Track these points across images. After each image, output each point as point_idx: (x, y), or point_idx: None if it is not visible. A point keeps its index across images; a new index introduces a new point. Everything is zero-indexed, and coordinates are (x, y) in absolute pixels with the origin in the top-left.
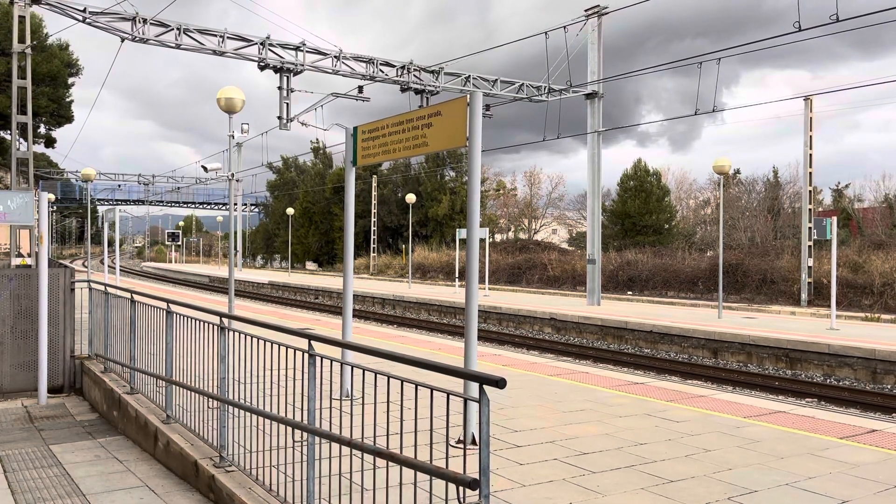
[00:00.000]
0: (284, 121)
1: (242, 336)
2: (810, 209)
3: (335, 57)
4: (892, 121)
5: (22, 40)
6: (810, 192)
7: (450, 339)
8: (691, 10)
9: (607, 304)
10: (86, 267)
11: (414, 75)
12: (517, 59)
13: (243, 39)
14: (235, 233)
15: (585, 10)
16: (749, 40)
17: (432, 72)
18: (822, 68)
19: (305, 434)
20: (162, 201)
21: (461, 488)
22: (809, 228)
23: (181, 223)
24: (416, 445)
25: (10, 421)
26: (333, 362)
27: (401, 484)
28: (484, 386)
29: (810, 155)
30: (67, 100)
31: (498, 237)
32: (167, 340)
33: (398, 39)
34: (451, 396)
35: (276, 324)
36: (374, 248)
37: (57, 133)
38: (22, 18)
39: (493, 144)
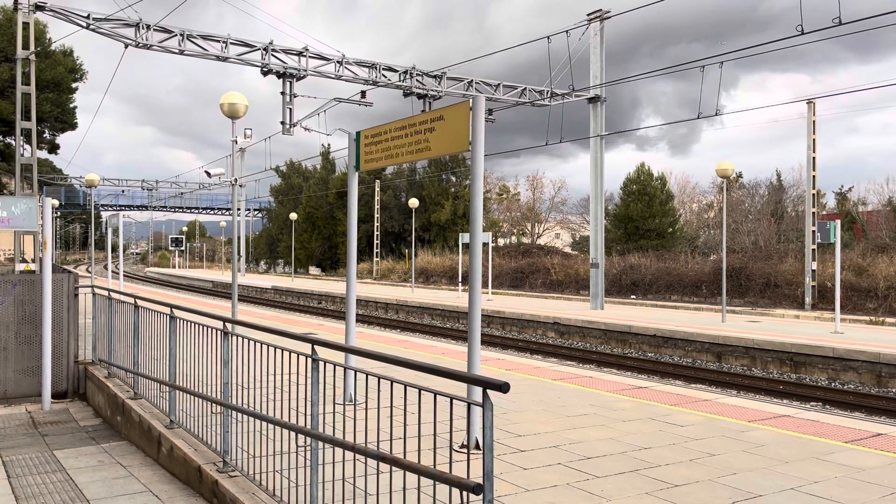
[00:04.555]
0: (287, 126)
1: (246, 341)
2: (814, 212)
3: (338, 62)
4: (892, 124)
5: (26, 47)
6: (814, 195)
7: (453, 343)
8: (686, 15)
9: (611, 308)
10: (89, 272)
11: (416, 80)
12: (514, 64)
13: (246, 45)
14: (238, 238)
15: (588, 15)
16: (745, 44)
17: (434, 76)
18: (822, 72)
19: (309, 439)
20: (165, 207)
21: (465, 493)
22: (813, 232)
23: (184, 228)
24: (419, 450)
25: (13, 426)
26: (336, 367)
27: (404, 489)
28: (487, 390)
29: (813, 158)
30: (71, 105)
31: (501, 241)
32: (170, 345)
33: (395, 45)
34: (454, 401)
35: (280, 329)
36: (377, 252)
37: (61, 139)
38: (26, 25)
39: (492, 149)
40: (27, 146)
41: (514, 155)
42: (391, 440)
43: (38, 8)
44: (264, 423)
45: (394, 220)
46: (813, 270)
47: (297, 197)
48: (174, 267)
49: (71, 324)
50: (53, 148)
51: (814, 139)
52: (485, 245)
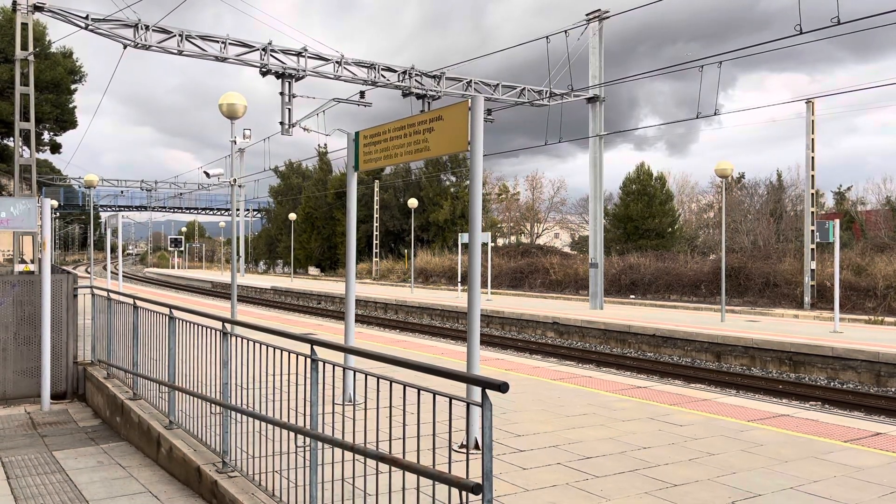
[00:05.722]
0: (286, 126)
1: (245, 341)
2: (813, 212)
3: (337, 62)
4: (891, 124)
5: (25, 47)
6: (812, 194)
7: (452, 343)
8: (684, 14)
9: (610, 308)
10: (89, 273)
11: (415, 80)
12: (512, 64)
13: (245, 45)
14: (238, 238)
15: (587, 15)
16: (742, 44)
17: (433, 77)
18: (820, 71)
19: (308, 439)
20: (164, 207)
21: (464, 493)
22: (812, 231)
23: (184, 229)
24: (418, 450)
25: (13, 427)
26: (336, 367)
27: (403, 489)
28: (486, 390)
29: (812, 158)
30: (70, 106)
31: (500, 241)
32: (170, 346)
33: (393, 45)
34: (453, 401)
35: (279, 329)
36: (376, 252)
37: (60, 140)
38: (25, 26)
39: (491, 149)
40: (26, 147)
41: (513, 155)
42: (390, 440)
43: (37, 9)
44: (264, 424)
45: (393, 220)
46: (812, 270)
47: (296, 197)
48: (173, 267)
49: (70, 324)
50: (55, 148)
51: (812, 139)
52: (484, 245)
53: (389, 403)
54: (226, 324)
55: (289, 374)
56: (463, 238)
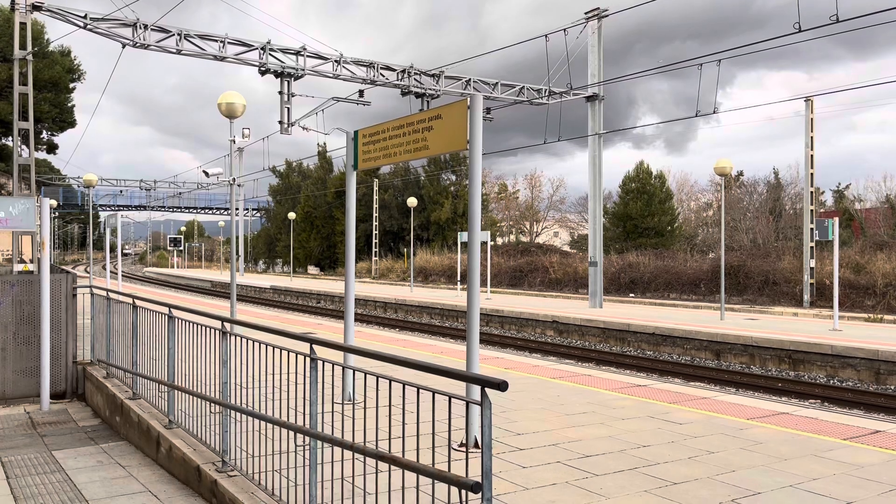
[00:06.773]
0: (285, 125)
1: (244, 340)
2: (812, 210)
3: (336, 61)
4: (889, 121)
5: (23, 47)
6: (812, 193)
7: (452, 342)
8: (680, 13)
9: (609, 306)
10: (88, 272)
11: (414, 79)
12: (510, 64)
13: (244, 44)
14: (237, 238)
15: (586, 13)
16: (740, 42)
17: (432, 75)
18: (818, 69)
19: (308, 438)
20: (164, 207)
21: (463, 492)
22: (811, 229)
23: (183, 228)
24: (418, 449)
25: (12, 427)
26: (335, 366)
27: (403, 488)
28: (486, 389)
29: (811, 156)
30: (69, 105)
31: (500, 240)
32: (169, 345)
33: (391, 44)
34: (453, 400)
35: (278, 328)
36: (375, 252)
37: (59, 139)
38: (23, 25)
39: (490, 148)
40: (25, 147)
41: (512, 153)
42: (390, 439)
43: (35, 8)
44: (263, 423)
45: (393, 220)
46: (811, 268)
47: (295, 196)
48: (173, 267)
49: (69, 324)
50: (52, 148)
51: (811, 136)
52: (483, 244)
53: (389, 402)
54: (225, 323)
55: (288, 374)
56: (462, 237)
